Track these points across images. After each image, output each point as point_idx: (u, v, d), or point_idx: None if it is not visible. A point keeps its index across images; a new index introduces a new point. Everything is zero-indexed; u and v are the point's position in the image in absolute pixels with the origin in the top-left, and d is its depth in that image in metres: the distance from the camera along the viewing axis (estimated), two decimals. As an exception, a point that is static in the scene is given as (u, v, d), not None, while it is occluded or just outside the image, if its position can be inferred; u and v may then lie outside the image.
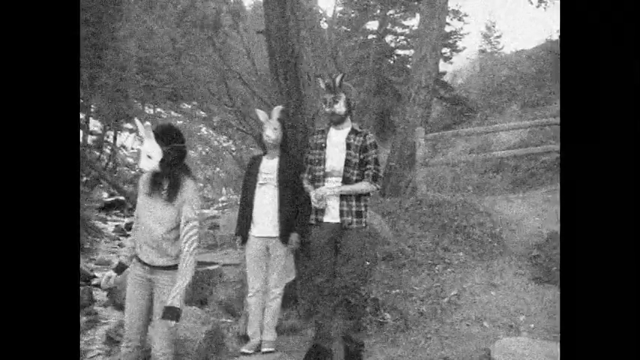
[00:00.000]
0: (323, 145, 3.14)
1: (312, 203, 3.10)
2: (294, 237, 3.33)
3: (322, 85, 3.18)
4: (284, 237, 3.31)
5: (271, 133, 3.35)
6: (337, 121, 3.14)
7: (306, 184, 3.22)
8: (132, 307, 2.56)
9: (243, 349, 3.35)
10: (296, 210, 3.34)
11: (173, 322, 2.33)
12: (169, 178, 2.48)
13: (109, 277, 2.60)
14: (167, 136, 2.46)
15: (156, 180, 2.48)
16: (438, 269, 4.01)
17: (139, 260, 2.56)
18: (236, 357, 3.37)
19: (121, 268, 2.64)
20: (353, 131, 3.13)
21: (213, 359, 3.40)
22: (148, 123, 2.44)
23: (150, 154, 2.42)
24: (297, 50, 3.67)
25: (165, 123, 2.59)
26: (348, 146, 3.08)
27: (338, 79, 3.10)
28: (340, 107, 3.11)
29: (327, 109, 3.14)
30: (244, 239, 3.44)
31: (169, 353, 2.52)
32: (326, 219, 3.08)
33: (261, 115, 3.41)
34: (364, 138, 3.10)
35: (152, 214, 2.50)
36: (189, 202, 2.47)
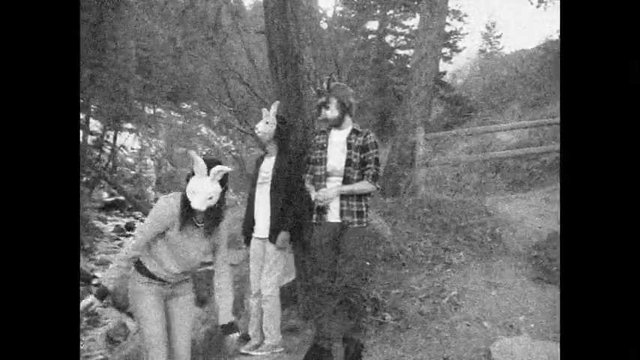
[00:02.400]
0: (324, 145, 3.14)
1: (317, 203, 3.09)
2: (281, 236, 3.26)
3: (314, 92, 3.19)
4: (272, 237, 3.27)
5: (262, 126, 3.33)
6: (333, 125, 3.13)
7: (307, 184, 3.21)
8: (159, 328, 2.47)
9: (243, 350, 3.35)
10: (289, 209, 3.29)
11: (237, 334, 2.53)
12: (213, 214, 2.45)
13: (91, 304, 2.36)
14: (224, 176, 2.46)
15: (189, 215, 2.42)
16: (438, 269, 4.01)
17: (158, 279, 2.50)
18: (236, 357, 3.37)
19: (103, 295, 2.39)
20: (354, 131, 3.13)
21: (213, 359, 3.39)
22: (220, 168, 2.39)
23: (212, 196, 2.37)
24: (297, 50, 3.67)
25: (218, 160, 2.55)
26: (349, 146, 3.07)
27: (325, 84, 3.09)
28: (332, 112, 3.10)
29: (320, 117, 3.15)
30: (247, 240, 3.44)
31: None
32: (328, 219, 3.08)
33: (264, 112, 3.42)
34: (365, 138, 3.09)
35: (192, 246, 2.47)
36: (223, 230, 2.55)
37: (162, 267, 2.47)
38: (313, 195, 3.09)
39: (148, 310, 2.46)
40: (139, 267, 2.49)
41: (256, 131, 3.37)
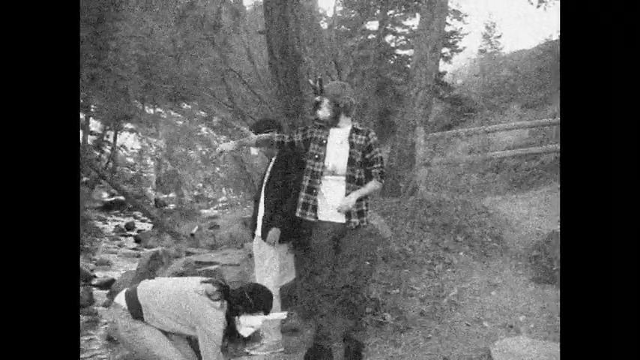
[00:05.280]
0: (324, 141, 3.12)
1: (301, 198, 3.09)
2: (271, 231, 3.27)
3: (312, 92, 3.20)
4: (264, 234, 3.30)
5: (253, 151, 3.43)
6: (328, 124, 3.12)
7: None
8: (171, 346, 2.58)
9: (246, 350, 3.36)
10: (281, 207, 3.29)
11: None
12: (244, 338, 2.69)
13: None
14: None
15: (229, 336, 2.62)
16: (438, 269, 4.01)
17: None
18: (236, 357, 3.37)
19: None
20: (354, 130, 3.11)
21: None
22: (281, 315, 2.75)
23: (254, 327, 2.63)
24: (297, 50, 3.67)
25: (267, 293, 2.73)
26: (352, 145, 3.06)
27: (318, 84, 3.08)
28: (324, 112, 3.08)
29: (313, 116, 3.15)
30: (253, 237, 3.48)
31: None
32: (330, 218, 3.07)
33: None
34: (367, 137, 3.08)
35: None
36: None
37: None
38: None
39: (155, 337, 2.53)
40: (136, 315, 2.54)
41: (253, 155, 3.47)
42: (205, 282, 2.65)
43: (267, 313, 2.63)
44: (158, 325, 2.55)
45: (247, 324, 2.53)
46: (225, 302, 2.56)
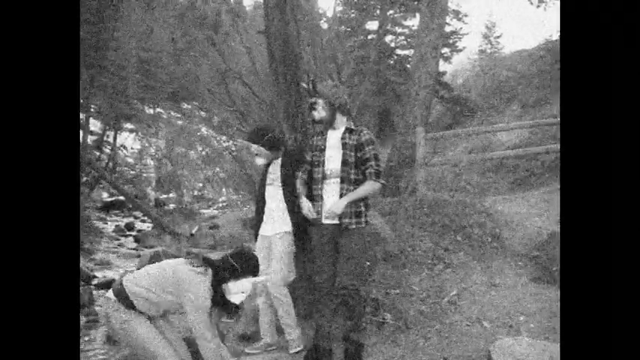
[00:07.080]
0: (322, 147, 3.11)
1: (304, 212, 3.08)
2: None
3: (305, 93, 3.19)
4: (297, 234, 3.30)
5: (258, 160, 3.42)
6: (325, 125, 3.10)
7: (298, 185, 3.17)
8: (165, 344, 2.58)
9: (247, 350, 3.36)
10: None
11: None
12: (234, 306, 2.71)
13: None
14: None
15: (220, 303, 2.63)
16: (438, 269, 4.01)
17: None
18: (237, 357, 3.37)
19: None
20: (348, 130, 3.08)
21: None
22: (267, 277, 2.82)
23: (244, 292, 2.63)
24: (297, 50, 3.67)
25: (252, 256, 2.73)
26: (344, 146, 3.04)
27: (311, 85, 3.07)
28: (320, 113, 3.06)
29: (309, 118, 3.14)
30: (257, 237, 3.48)
31: None
32: (325, 220, 3.07)
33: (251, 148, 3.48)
34: (359, 135, 3.04)
35: None
36: None
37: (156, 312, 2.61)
38: (306, 208, 3.06)
39: (147, 332, 2.52)
40: (127, 304, 2.53)
41: (259, 165, 3.46)
42: (187, 259, 2.70)
43: (255, 275, 2.59)
44: (150, 306, 2.53)
45: (237, 290, 2.51)
46: (210, 270, 2.55)
